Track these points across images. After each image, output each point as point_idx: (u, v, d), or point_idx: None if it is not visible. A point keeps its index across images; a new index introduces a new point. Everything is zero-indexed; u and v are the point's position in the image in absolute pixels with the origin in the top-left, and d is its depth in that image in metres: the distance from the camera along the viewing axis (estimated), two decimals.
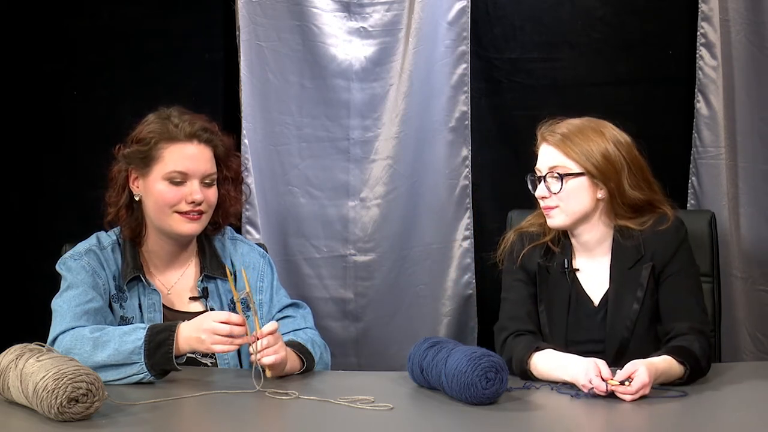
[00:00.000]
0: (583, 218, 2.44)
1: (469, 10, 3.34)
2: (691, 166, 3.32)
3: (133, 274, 2.41)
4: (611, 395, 2.09)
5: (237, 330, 2.18)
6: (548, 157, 2.43)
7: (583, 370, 2.13)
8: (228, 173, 2.50)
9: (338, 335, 3.42)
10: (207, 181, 2.42)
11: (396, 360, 3.27)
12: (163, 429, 1.96)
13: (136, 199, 2.44)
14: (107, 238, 2.47)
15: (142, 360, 2.19)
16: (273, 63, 3.37)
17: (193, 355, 2.37)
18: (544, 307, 2.46)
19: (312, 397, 2.11)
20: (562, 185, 2.40)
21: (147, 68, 3.35)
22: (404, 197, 3.41)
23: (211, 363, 2.42)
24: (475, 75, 3.38)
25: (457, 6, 3.34)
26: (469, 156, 3.40)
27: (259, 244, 2.66)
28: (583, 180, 2.41)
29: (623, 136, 2.44)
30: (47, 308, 2.36)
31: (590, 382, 2.10)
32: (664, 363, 2.18)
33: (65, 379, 1.88)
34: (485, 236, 3.37)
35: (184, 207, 2.39)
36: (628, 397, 2.07)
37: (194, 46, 3.39)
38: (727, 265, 3.22)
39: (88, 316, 2.31)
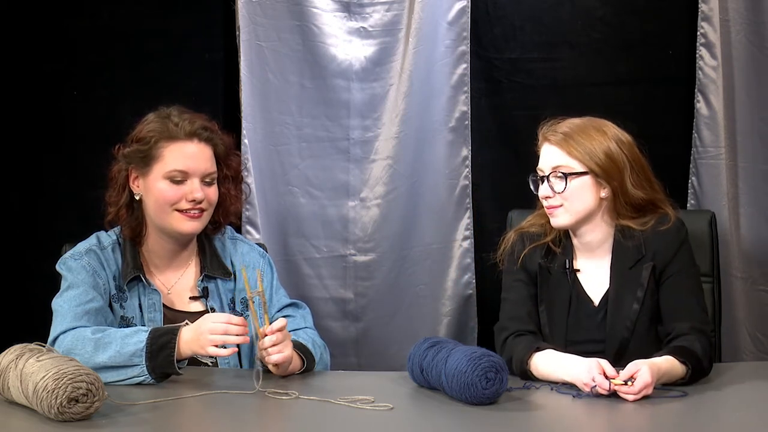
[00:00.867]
0: (587, 218, 2.43)
1: (469, 10, 3.34)
2: (691, 166, 3.32)
3: (133, 273, 2.41)
4: (612, 395, 2.09)
5: (234, 329, 2.18)
6: (551, 156, 2.42)
7: (586, 369, 2.13)
8: (228, 172, 2.49)
9: (338, 335, 3.42)
10: (207, 180, 2.42)
11: (396, 360, 3.27)
12: (163, 429, 1.96)
13: (137, 198, 2.44)
14: (107, 237, 2.47)
15: (143, 362, 2.19)
16: (273, 63, 3.36)
17: (194, 355, 2.36)
18: (545, 307, 2.46)
19: (312, 397, 2.11)
20: (565, 185, 2.40)
21: (147, 68, 3.35)
22: (404, 197, 3.41)
23: (211, 363, 2.42)
24: (475, 75, 3.38)
25: (457, 6, 3.34)
26: (469, 156, 3.40)
27: (259, 244, 2.66)
28: (587, 179, 2.40)
29: (625, 135, 2.44)
30: (47, 308, 2.36)
31: (593, 381, 2.10)
32: (667, 363, 2.17)
33: (65, 379, 1.88)
34: (485, 236, 3.37)
35: (185, 205, 2.39)
36: (630, 397, 2.07)
37: (194, 46, 3.39)
38: (727, 265, 3.22)
39: (88, 316, 2.31)
